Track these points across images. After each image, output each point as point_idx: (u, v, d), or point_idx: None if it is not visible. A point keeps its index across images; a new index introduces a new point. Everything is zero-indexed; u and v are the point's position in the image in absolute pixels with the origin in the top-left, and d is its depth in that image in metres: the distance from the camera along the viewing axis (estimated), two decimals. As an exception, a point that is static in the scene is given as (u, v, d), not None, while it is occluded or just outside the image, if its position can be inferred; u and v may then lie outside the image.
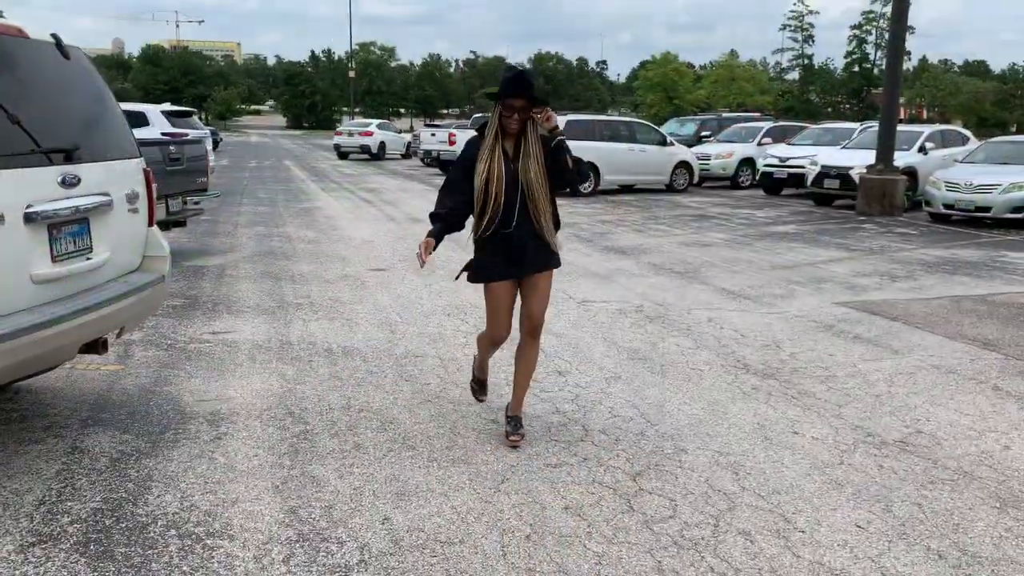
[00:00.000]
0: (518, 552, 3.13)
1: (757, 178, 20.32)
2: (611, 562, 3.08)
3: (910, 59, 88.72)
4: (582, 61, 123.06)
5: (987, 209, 13.66)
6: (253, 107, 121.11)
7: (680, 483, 3.76)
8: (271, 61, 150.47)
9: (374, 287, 8.02)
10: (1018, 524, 3.43)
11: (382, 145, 34.89)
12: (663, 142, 19.95)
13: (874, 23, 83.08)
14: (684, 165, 20.13)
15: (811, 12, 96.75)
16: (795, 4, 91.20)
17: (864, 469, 3.95)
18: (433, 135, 27.31)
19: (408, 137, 37.43)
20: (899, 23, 15.42)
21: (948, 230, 13.45)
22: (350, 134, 35.66)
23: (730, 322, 6.81)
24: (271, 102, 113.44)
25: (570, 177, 4.04)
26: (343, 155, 34.95)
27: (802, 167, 17.60)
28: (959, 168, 14.84)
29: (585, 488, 3.70)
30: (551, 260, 4.14)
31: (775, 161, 18.97)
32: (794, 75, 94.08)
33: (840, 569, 3.05)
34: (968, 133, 19.52)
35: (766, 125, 22.83)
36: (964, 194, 13.89)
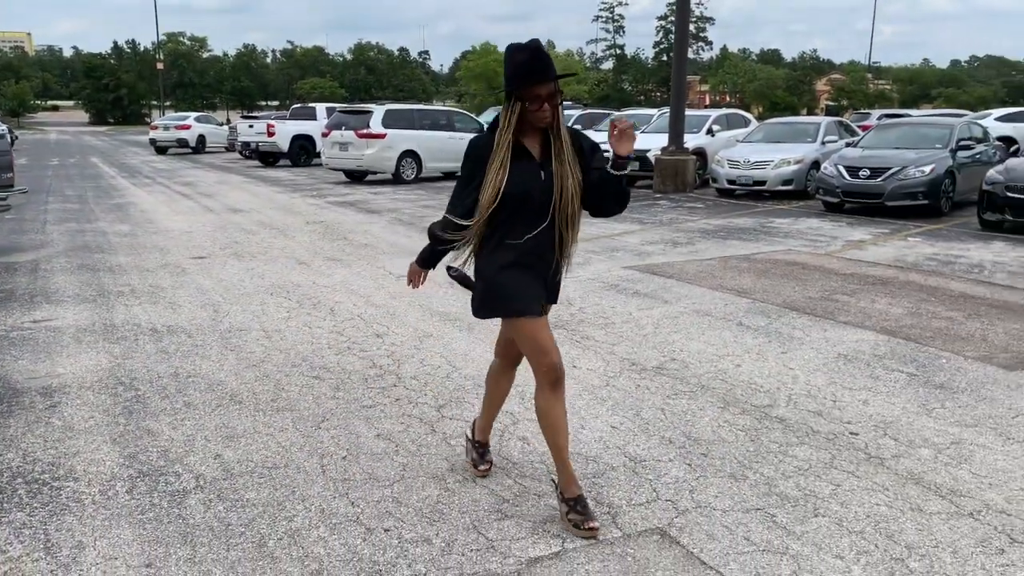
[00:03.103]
0: (335, 468, 3.74)
1: (569, 162, 21.59)
2: (414, 468, 3.75)
3: (712, 48, 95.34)
4: (404, 51, 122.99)
5: (763, 183, 15.44)
6: (50, 102, 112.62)
7: (476, 410, 4.46)
8: (68, 52, 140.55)
9: (195, 273, 8.28)
10: (734, 416, 4.40)
11: (201, 138, 33.96)
12: (480, 130, 20.81)
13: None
14: (501, 152, 21.09)
15: (621, 3, 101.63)
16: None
17: (624, 388, 4.83)
18: (251, 127, 26.90)
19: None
20: (683, 15, 16.98)
21: (730, 203, 15.10)
22: (166, 128, 34.37)
23: (531, 286, 7.64)
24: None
25: (609, 206, 3.16)
26: (161, 150, 33.62)
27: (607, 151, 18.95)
28: (740, 147, 16.62)
29: (396, 420, 4.34)
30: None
31: (583, 145, 20.27)
32: (608, 64, 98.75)
33: (594, 456, 3.87)
34: (750, 116, 21.69)
35: (575, 113, 24.26)
36: (744, 170, 15.62)
